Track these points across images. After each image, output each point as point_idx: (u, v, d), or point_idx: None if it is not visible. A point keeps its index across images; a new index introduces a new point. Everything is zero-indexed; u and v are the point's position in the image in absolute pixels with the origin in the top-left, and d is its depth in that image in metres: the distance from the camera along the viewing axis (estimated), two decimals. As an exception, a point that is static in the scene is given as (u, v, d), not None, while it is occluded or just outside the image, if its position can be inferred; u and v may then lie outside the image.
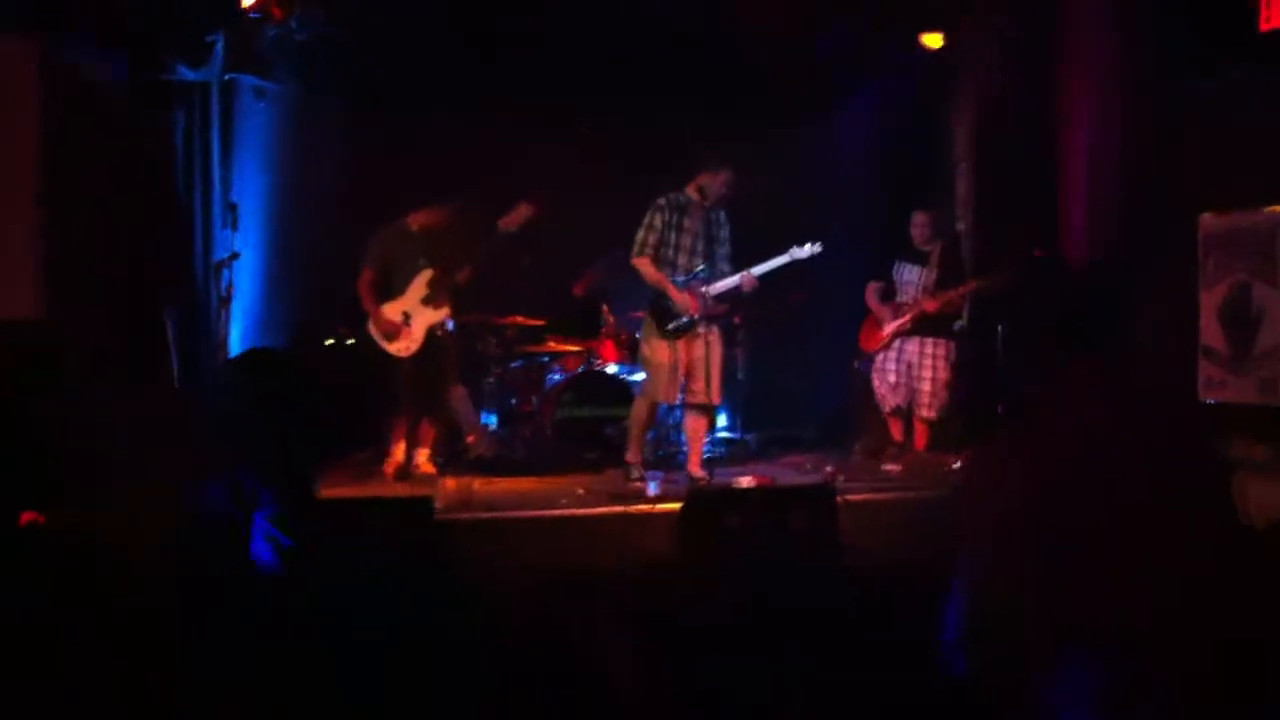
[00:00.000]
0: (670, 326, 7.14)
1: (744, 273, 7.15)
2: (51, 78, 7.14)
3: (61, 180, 7.16)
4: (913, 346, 8.04)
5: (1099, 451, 2.49)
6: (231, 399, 3.07)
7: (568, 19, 8.17)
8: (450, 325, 7.74)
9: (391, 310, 7.59)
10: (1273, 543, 4.48)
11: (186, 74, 8.00)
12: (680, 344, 7.14)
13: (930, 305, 7.93)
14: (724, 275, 7.20)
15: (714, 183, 7.15)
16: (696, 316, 7.11)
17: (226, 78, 8.17)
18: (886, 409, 8.18)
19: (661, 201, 7.19)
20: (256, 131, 8.48)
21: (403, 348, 7.57)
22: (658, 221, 7.16)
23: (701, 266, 7.15)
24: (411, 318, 7.59)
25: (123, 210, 7.49)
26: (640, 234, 7.18)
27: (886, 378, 8.12)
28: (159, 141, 7.97)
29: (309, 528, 2.96)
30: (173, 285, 7.86)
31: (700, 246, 7.18)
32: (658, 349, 7.19)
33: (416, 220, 7.69)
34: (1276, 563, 2.62)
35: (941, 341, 8.02)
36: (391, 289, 7.64)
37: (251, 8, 7.61)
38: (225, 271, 7.51)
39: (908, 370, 8.05)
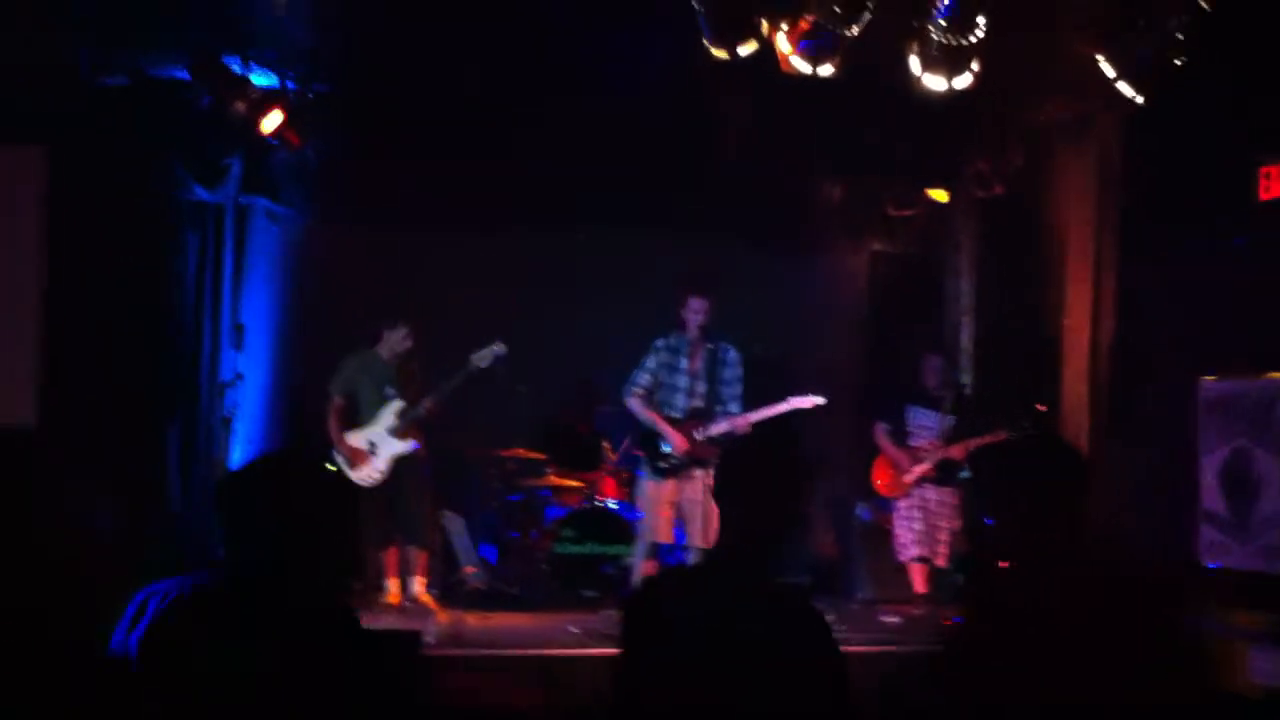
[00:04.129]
0: (660, 465, 7.13)
1: (739, 417, 7.09)
2: (61, 189, 7.23)
3: (65, 292, 7.20)
4: (932, 494, 7.81)
5: (1057, 633, 2.50)
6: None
7: (580, 145, 8.21)
8: (423, 454, 7.63)
9: (356, 439, 7.54)
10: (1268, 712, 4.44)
11: (202, 194, 8.11)
12: (674, 484, 7.10)
13: (957, 451, 7.72)
14: (728, 415, 7.13)
15: (684, 313, 7.16)
16: (685, 457, 7.06)
17: (241, 200, 8.28)
18: (907, 556, 7.85)
19: (659, 343, 7.25)
20: (266, 253, 8.56)
21: (365, 476, 7.48)
22: (651, 363, 7.23)
23: (698, 405, 7.14)
24: (377, 447, 7.52)
25: (129, 326, 7.53)
26: (633, 373, 7.25)
27: (913, 525, 7.81)
28: (171, 258, 8.05)
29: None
30: (176, 403, 7.87)
31: (700, 387, 7.16)
32: (649, 487, 7.19)
33: (385, 348, 7.65)
34: None
35: (953, 490, 7.85)
36: (360, 416, 7.60)
37: (269, 134, 7.73)
38: (229, 392, 7.51)
39: (925, 518, 7.81)
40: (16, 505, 6.40)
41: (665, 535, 7.15)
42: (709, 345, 7.16)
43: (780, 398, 7.16)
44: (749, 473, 3.10)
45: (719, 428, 7.08)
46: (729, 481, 3.11)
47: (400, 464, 7.53)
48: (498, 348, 7.49)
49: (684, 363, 7.20)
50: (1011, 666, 2.49)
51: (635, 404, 7.23)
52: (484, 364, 7.49)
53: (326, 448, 7.55)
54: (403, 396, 7.55)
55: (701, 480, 6.97)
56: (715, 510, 7.04)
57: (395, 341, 7.62)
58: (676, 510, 7.13)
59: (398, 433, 7.51)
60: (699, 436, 7.07)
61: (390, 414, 7.53)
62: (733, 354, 7.23)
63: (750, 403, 7.23)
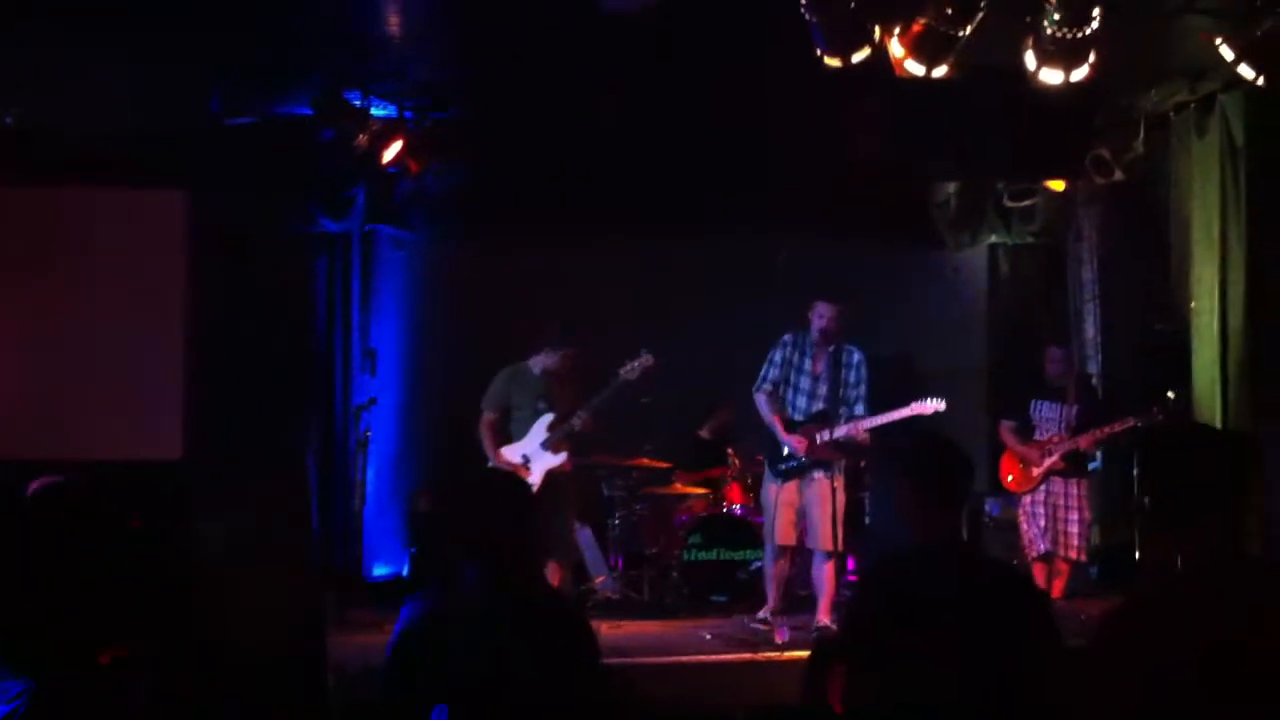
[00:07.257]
0: (780, 467, 7.15)
1: (857, 423, 7.06)
2: (199, 229, 7.52)
3: (207, 327, 7.49)
4: (1058, 487, 7.72)
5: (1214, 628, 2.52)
6: None
7: (714, 159, 8.21)
8: (569, 469, 7.66)
9: (511, 453, 7.57)
10: None
11: (329, 225, 8.38)
12: (795, 485, 7.11)
13: (1085, 442, 7.62)
14: (850, 419, 7.10)
15: (811, 316, 7.17)
16: (805, 459, 7.07)
17: (366, 229, 8.54)
18: (1034, 553, 7.77)
19: (786, 338, 7.26)
20: (393, 279, 8.82)
21: None
22: (778, 358, 7.24)
23: (820, 408, 7.14)
24: (531, 461, 7.53)
25: (266, 357, 7.80)
26: (763, 368, 7.28)
27: (1037, 521, 7.76)
28: (302, 290, 8.32)
29: None
30: (313, 429, 8.13)
31: (823, 389, 7.14)
32: (771, 489, 7.19)
33: (538, 363, 7.66)
34: None
35: (1083, 481, 7.76)
36: (511, 432, 7.63)
37: (390, 163, 7.93)
38: (364, 416, 7.71)
39: (1053, 512, 7.74)
40: (165, 535, 6.65)
41: (786, 537, 7.11)
42: (831, 347, 7.14)
43: (904, 400, 7.13)
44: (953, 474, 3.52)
45: (841, 431, 7.06)
46: (942, 484, 3.48)
47: (551, 479, 7.51)
48: (645, 359, 7.48)
49: (808, 364, 7.19)
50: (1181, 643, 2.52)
51: (763, 400, 7.24)
52: (633, 376, 7.48)
53: (484, 462, 7.66)
54: (554, 410, 7.59)
55: (825, 482, 6.99)
56: (840, 509, 7.04)
57: (552, 361, 7.58)
58: (799, 512, 7.11)
59: (550, 445, 7.52)
60: (820, 439, 7.06)
61: (542, 428, 7.53)
62: (857, 356, 7.19)
63: (877, 405, 7.20)
